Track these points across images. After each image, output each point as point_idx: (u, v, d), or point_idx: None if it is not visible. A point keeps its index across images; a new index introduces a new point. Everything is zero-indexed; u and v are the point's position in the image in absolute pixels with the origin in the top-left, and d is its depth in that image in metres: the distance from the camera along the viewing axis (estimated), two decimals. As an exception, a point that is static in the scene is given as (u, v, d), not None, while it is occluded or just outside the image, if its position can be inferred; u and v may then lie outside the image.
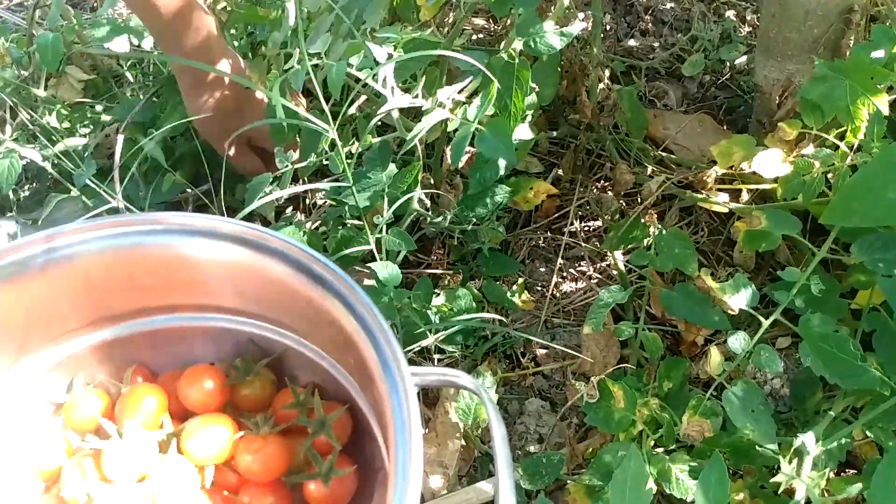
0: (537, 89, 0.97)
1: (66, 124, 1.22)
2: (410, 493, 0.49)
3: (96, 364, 0.74)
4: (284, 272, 0.64)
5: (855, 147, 0.86)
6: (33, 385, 0.71)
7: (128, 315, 0.72)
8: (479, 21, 1.26)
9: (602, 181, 1.11)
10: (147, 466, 0.67)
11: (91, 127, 1.22)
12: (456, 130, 0.83)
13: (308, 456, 0.70)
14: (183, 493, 0.66)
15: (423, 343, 0.84)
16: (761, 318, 0.78)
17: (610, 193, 1.06)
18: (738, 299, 0.80)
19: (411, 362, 0.89)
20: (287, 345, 0.73)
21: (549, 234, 1.08)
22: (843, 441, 0.77)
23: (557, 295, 1.03)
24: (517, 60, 0.85)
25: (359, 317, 0.59)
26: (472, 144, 0.83)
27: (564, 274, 1.05)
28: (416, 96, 0.79)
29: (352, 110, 0.97)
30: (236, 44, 1.13)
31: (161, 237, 0.66)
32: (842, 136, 0.88)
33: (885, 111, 0.85)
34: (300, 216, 1.06)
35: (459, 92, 0.86)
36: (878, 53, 0.88)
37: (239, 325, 0.74)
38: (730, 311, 0.81)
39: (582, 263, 1.06)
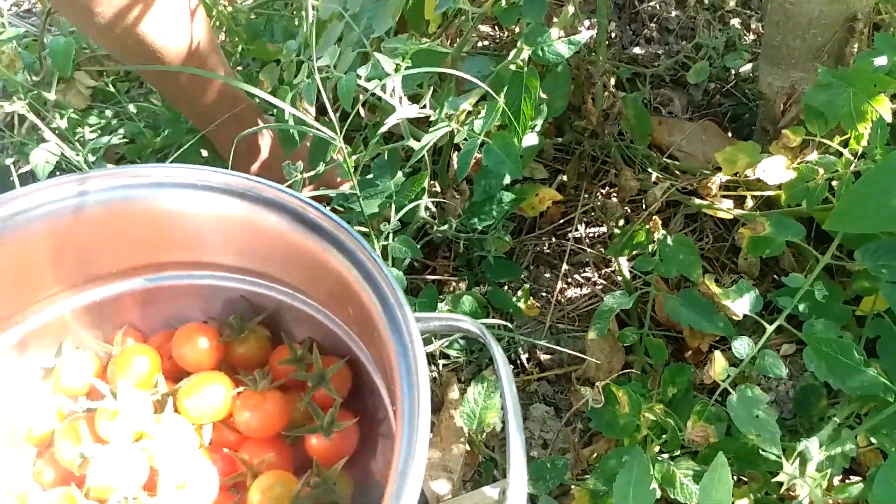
0: (548, 100, 0.97)
1: (76, 129, 1.23)
2: (419, 443, 0.48)
3: (85, 327, 0.73)
4: (279, 223, 0.62)
5: (858, 154, 0.87)
6: (20, 350, 0.70)
7: (115, 275, 0.70)
8: (486, 28, 1.26)
9: (607, 187, 1.11)
10: (143, 426, 0.66)
11: (99, 132, 1.23)
12: (464, 140, 0.84)
13: (308, 410, 0.69)
14: (181, 451, 0.65)
15: (428, 349, 0.84)
16: (765, 325, 0.78)
17: (615, 200, 1.06)
18: (742, 305, 0.81)
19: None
20: (281, 300, 0.72)
21: (553, 239, 1.09)
22: (848, 447, 0.77)
23: (562, 301, 1.03)
24: (526, 69, 0.86)
25: (359, 263, 0.57)
26: (479, 150, 0.84)
27: (569, 280, 1.06)
28: (424, 106, 0.80)
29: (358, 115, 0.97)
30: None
31: (148, 190, 0.64)
32: (845, 143, 0.88)
33: (888, 118, 0.86)
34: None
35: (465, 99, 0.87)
36: (881, 61, 0.89)
37: (230, 283, 0.73)
38: (734, 317, 0.82)
39: (587, 269, 1.06)
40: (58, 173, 1.24)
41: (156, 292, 0.73)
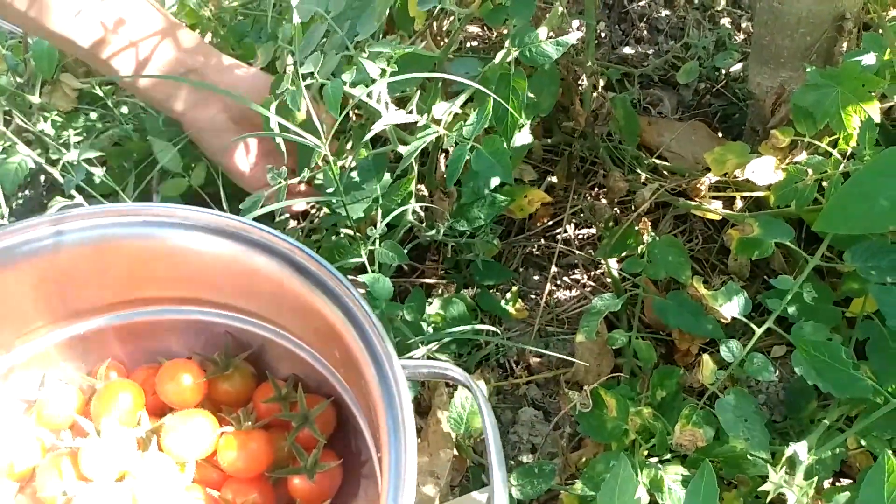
0: (536, 99, 0.97)
1: (61, 132, 1.22)
2: (405, 490, 0.48)
3: (68, 360, 0.73)
4: (267, 264, 0.62)
5: (847, 154, 0.86)
6: (3, 382, 0.70)
7: (99, 310, 0.71)
8: (474, 28, 1.26)
9: (596, 188, 1.11)
10: (127, 464, 0.65)
11: (85, 134, 1.22)
12: (453, 145, 0.83)
13: (292, 450, 0.69)
14: (164, 490, 0.65)
15: (416, 354, 0.83)
16: (754, 327, 0.77)
17: (604, 201, 1.06)
18: (731, 307, 0.80)
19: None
20: (266, 337, 0.72)
21: (542, 241, 1.08)
22: (837, 450, 0.77)
23: (551, 303, 1.03)
24: (513, 70, 0.85)
25: (346, 309, 0.58)
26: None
27: (558, 282, 1.05)
28: (411, 111, 0.79)
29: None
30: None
31: (138, 229, 0.64)
32: (834, 144, 0.88)
33: (877, 118, 0.85)
34: (293, 222, 1.06)
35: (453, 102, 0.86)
36: (870, 60, 0.88)
37: (216, 318, 0.73)
38: (723, 320, 0.81)
39: (576, 271, 1.06)
40: (42, 178, 1.23)
41: (140, 326, 0.73)
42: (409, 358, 0.85)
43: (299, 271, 0.61)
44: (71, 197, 0.89)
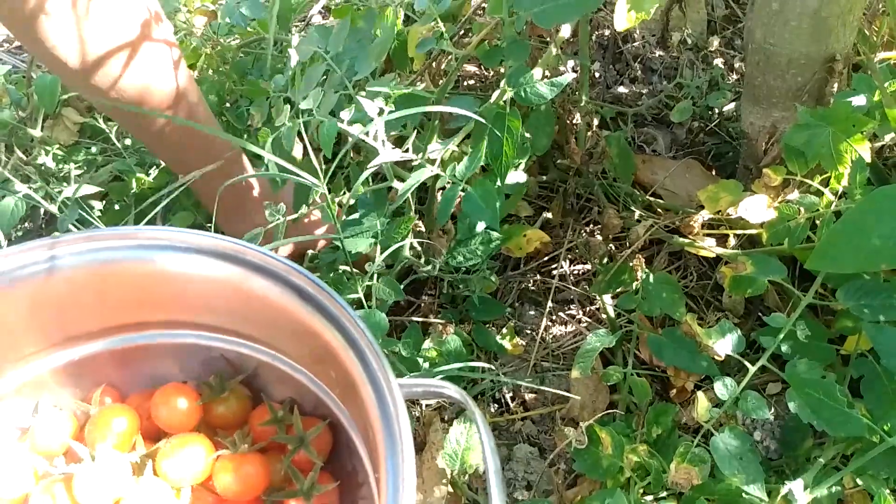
0: (532, 139, 0.98)
1: (62, 165, 1.23)
2: None
3: (62, 385, 0.72)
4: (264, 286, 0.62)
5: (839, 193, 0.87)
6: None
7: (94, 334, 0.70)
8: (471, 68, 1.28)
9: (591, 225, 1.12)
10: (122, 490, 0.64)
11: (85, 168, 1.23)
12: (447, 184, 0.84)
13: (288, 473, 0.68)
14: None
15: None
16: (748, 365, 0.77)
17: (599, 237, 1.07)
18: (724, 346, 0.80)
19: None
20: (261, 360, 0.72)
21: (538, 277, 1.09)
22: (834, 489, 0.77)
23: (547, 339, 1.03)
24: (508, 110, 0.87)
25: (342, 329, 0.58)
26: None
27: (554, 317, 1.05)
28: (408, 150, 0.81)
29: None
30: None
31: (134, 252, 0.64)
32: (826, 183, 0.89)
33: (868, 158, 0.86)
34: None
35: (449, 141, 0.87)
36: (860, 101, 0.90)
37: (211, 342, 0.72)
38: (717, 357, 0.81)
39: (571, 307, 1.06)
40: (41, 211, 1.24)
41: (135, 351, 0.73)
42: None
43: (296, 292, 0.61)
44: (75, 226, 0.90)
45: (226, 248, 0.63)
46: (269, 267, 0.62)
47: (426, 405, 0.92)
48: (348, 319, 0.58)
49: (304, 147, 0.75)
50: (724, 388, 0.77)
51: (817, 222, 0.87)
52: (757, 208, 0.89)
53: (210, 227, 0.99)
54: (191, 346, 0.73)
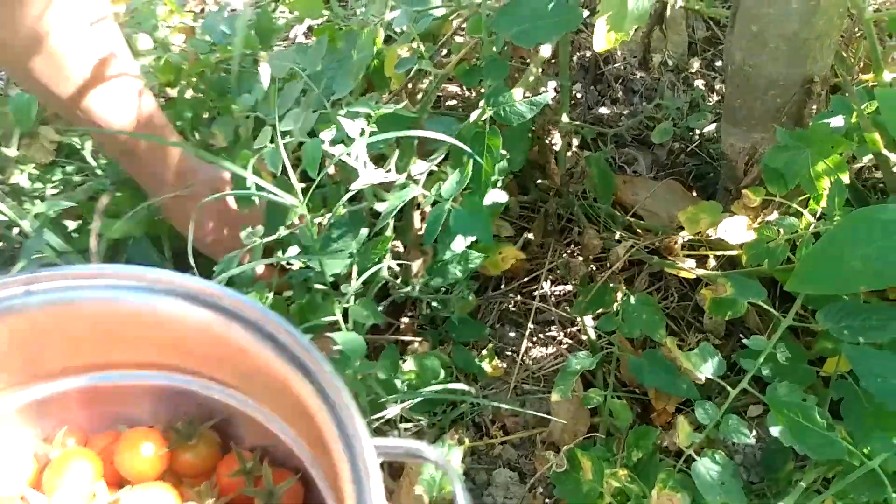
0: (508, 156, 0.97)
1: (37, 184, 1.21)
2: None
3: (24, 424, 0.69)
4: (239, 333, 0.60)
5: (818, 214, 0.87)
6: None
7: (60, 373, 0.68)
8: (452, 87, 1.27)
9: (572, 245, 1.11)
10: None
11: (61, 188, 1.21)
12: (433, 203, 0.83)
13: None
14: None
15: (389, 414, 0.82)
16: (728, 388, 0.77)
17: (579, 258, 1.06)
18: (705, 369, 0.80)
19: (377, 432, 0.87)
20: (233, 406, 0.70)
21: (519, 297, 1.08)
22: (815, 513, 0.76)
23: (527, 360, 1.02)
24: (487, 129, 0.86)
25: (318, 385, 0.56)
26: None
27: (535, 339, 1.04)
28: (389, 170, 0.80)
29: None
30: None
31: (101, 292, 0.62)
32: (805, 204, 0.89)
33: (846, 179, 0.87)
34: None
35: (430, 160, 0.86)
36: (838, 122, 0.90)
37: (182, 384, 0.70)
38: (697, 381, 0.81)
39: (552, 328, 1.05)
40: (14, 231, 1.22)
41: (102, 391, 0.70)
42: (382, 418, 0.83)
43: (270, 341, 0.59)
44: (40, 252, 0.88)
45: (201, 291, 0.61)
46: (244, 314, 0.60)
47: (404, 429, 0.91)
48: (323, 374, 0.56)
49: (285, 166, 0.74)
50: (705, 412, 0.76)
51: (797, 244, 0.87)
52: (736, 229, 0.88)
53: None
54: (160, 387, 0.70)
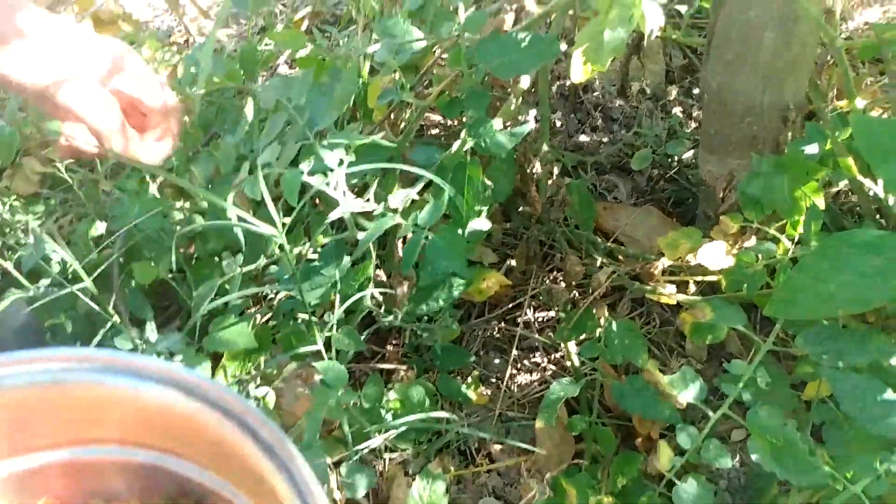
0: (493, 186, 0.99)
1: (18, 217, 1.21)
2: None
3: (3, 496, 0.70)
4: (217, 421, 0.61)
5: (795, 240, 0.88)
6: None
7: (42, 447, 0.68)
8: (435, 116, 1.29)
9: (554, 272, 1.12)
10: None
11: (44, 219, 1.21)
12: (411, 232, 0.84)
13: None
14: None
15: (373, 444, 0.82)
16: (710, 413, 0.77)
17: (561, 284, 1.07)
18: (686, 394, 0.80)
19: (362, 461, 0.87)
20: (209, 488, 0.70)
21: (503, 324, 1.08)
22: (799, 537, 0.76)
23: (512, 387, 1.02)
24: (469, 160, 0.88)
25: (292, 480, 0.57)
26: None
27: (519, 365, 1.05)
28: (369, 199, 0.80)
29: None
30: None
31: (85, 374, 0.62)
32: (783, 229, 0.90)
33: (822, 205, 0.88)
34: (253, 307, 1.05)
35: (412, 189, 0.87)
36: (812, 149, 0.92)
37: (160, 462, 0.70)
38: (679, 406, 0.81)
39: (536, 354, 1.06)
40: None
41: (83, 465, 0.69)
42: (366, 448, 0.83)
43: (250, 434, 0.60)
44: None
45: (183, 379, 0.61)
46: (224, 405, 0.61)
47: (389, 459, 0.90)
48: (299, 473, 0.57)
49: (264, 198, 0.74)
50: (686, 437, 0.76)
51: (776, 268, 0.88)
52: (715, 255, 0.90)
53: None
54: (139, 464, 0.70)
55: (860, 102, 0.96)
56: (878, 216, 0.99)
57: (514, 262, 1.12)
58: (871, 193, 0.92)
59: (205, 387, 0.60)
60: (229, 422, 0.59)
